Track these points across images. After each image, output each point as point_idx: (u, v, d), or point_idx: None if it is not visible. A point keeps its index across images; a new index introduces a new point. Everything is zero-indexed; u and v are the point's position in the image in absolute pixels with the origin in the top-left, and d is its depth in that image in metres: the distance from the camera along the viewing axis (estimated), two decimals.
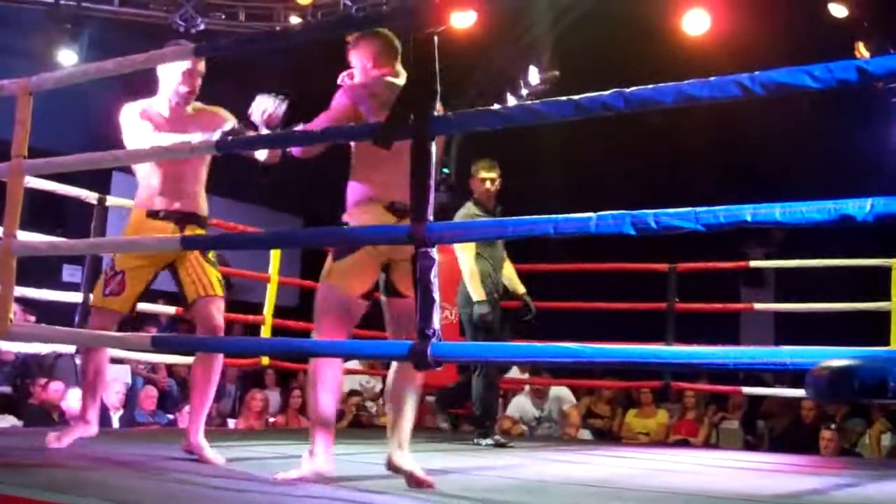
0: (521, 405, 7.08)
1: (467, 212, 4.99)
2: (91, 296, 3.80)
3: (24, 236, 3.67)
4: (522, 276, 5.81)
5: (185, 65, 3.51)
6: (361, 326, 5.95)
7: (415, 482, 2.80)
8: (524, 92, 8.70)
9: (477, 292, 4.94)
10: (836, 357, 1.62)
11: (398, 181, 2.65)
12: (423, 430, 6.64)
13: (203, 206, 3.62)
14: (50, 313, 6.04)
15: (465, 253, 4.97)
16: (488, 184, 4.97)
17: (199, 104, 3.64)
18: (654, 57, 7.29)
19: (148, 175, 3.53)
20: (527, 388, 7.17)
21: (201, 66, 3.60)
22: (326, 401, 2.91)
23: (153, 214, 3.50)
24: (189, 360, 6.14)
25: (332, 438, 2.91)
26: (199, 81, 3.61)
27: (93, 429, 3.59)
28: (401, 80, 2.97)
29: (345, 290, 2.94)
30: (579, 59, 8.06)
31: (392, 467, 2.89)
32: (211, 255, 3.57)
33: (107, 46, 7.09)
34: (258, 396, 6.93)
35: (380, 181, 2.93)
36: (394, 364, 3.03)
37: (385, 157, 2.73)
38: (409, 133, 2.51)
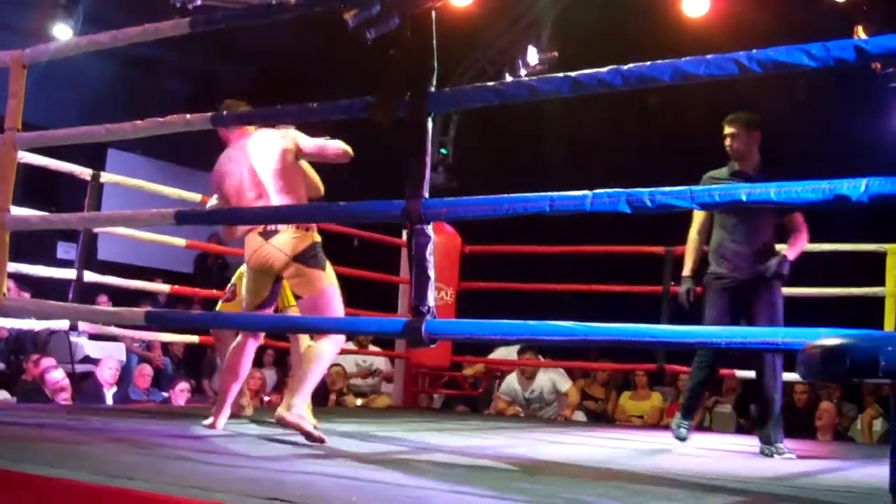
0: (511, 385, 7.07)
1: (717, 171, 4.29)
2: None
3: (18, 213, 3.66)
4: (515, 257, 5.69)
5: None
6: (360, 307, 6.00)
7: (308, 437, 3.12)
8: (522, 73, 8.65)
9: (685, 266, 4.44)
10: (828, 336, 1.62)
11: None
12: (417, 410, 6.66)
13: None
14: (45, 290, 6.01)
15: (693, 220, 4.43)
16: (728, 140, 4.25)
17: None
18: (653, 39, 7.26)
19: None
20: (517, 368, 7.17)
21: None
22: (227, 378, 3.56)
23: None
24: (181, 338, 6.11)
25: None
26: None
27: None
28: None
29: (246, 304, 3.53)
30: (578, 41, 8.02)
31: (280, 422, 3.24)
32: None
33: (102, 22, 7.00)
34: (256, 375, 6.92)
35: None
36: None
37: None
38: (405, 109, 2.50)
